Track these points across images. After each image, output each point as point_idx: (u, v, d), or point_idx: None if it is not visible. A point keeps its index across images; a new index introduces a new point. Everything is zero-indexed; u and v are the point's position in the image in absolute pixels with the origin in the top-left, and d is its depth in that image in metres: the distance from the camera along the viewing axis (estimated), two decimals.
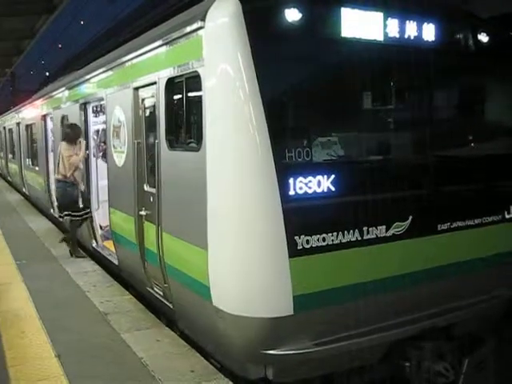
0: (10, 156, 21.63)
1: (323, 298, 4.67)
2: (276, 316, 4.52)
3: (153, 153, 6.06)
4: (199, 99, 4.81)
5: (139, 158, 6.42)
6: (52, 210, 13.21)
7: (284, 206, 4.42)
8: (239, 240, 4.54)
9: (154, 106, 5.98)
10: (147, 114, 6.31)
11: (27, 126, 16.27)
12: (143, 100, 6.30)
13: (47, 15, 16.17)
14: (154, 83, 5.79)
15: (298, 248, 4.52)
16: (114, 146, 7.36)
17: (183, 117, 5.24)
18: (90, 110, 9.34)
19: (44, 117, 13.37)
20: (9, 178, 22.96)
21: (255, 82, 4.34)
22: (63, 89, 10.99)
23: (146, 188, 6.37)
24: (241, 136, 4.41)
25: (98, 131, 9.90)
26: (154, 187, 5.97)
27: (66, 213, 8.98)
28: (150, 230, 6.30)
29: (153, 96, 5.94)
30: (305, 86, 4.75)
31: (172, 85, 5.39)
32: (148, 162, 6.38)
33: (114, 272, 8.16)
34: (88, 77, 8.72)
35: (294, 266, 4.49)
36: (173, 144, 5.44)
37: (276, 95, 4.59)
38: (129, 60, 6.61)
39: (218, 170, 4.61)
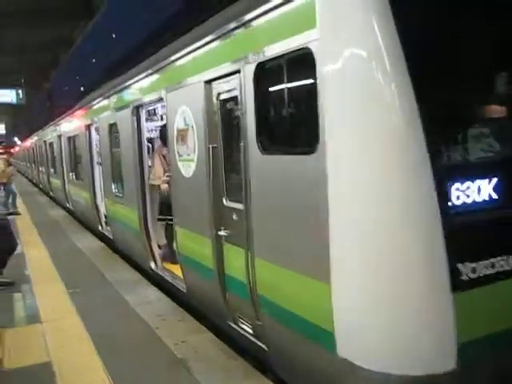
0: (52, 171, 21.00)
1: (495, 344, 3.42)
2: (436, 373, 3.29)
3: (236, 159, 4.93)
4: (311, 86, 3.63)
5: (215, 167, 5.28)
6: (100, 227, 12.30)
7: (444, 221, 3.20)
8: (382, 270, 3.32)
9: (235, 101, 4.85)
10: (225, 111, 5.17)
11: (69, 138, 15.46)
12: (219, 95, 5.16)
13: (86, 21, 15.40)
14: (236, 72, 4.65)
15: (463, 278, 3.29)
16: (178, 154, 6.26)
17: (283, 111, 4.08)
18: (143, 115, 8.29)
19: (88, 127, 12.47)
20: (51, 193, 22.37)
21: (401, 58, 3.15)
22: (110, 93, 10.02)
23: (227, 203, 5.23)
24: (383, 131, 3.21)
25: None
26: (239, 202, 4.83)
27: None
28: (233, 253, 5.16)
29: (234, 88, 4.80)
30: (462, 63, 3.51)
31: (265, 70, 4.23)
32: (228, 170, 5.24)
33: (180, 299, 7.06)
34: (141, 75, 7.68)
35: (458, 303, 3.26)
36: (267, 146, 4.27)
37: (428, 75, 3.34)
38: (196, 49, 5.50)
39: (348, 176, 3.41)
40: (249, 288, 4.73)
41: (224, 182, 5.26)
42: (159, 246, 8.57)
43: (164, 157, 8.43)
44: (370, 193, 3.32)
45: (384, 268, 3.32)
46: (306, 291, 3.88)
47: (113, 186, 10.21)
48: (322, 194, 3.52)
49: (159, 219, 8.51)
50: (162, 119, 10.68)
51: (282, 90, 4.01)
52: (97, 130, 11.89)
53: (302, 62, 3.71)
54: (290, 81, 3.96)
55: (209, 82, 5.28)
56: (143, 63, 7.66)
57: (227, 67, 4.81)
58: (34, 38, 23.32)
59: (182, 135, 6.07)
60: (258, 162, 4.37)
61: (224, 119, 5.21)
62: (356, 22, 3.30)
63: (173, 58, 6.20)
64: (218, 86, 5.15)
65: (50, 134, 21.26)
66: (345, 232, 3.45)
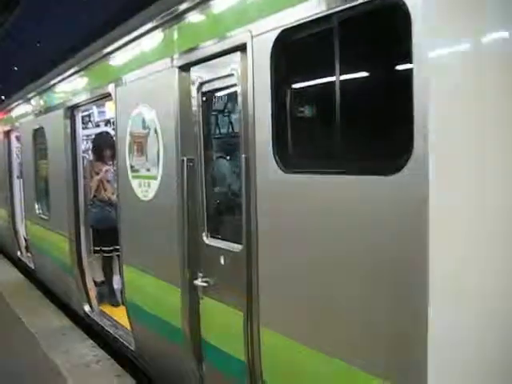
0: None
1: None
2: None
3: (228, 179, 3.41)
4: (397, 64, 2.21)
5: (192, 188, 3.72)
6: (19, 253, 10.23)
7: None
8: None
9: (231, 94, 3.34)
10: (211, 109, 3.63)
11: None
12: (201, 86, 3.60)
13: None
14: (235, 50, 3.14)
15: None
16: (131, 168, 4.62)
17: (335, 107, 2.54)
18: (79, 118, 6.55)
19: (7, 133, 10.43)
20: None
21: None
22: (36, 93, 8.16)
23: (208, 240, 3.66)
24: None
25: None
26: (234, 240, 3.31)
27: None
28: (219, 314, 3.59)
29: (230, 75, 3.27)
30: None
31: (296, 43, 2.73)
32: (213, 194, 3.70)
33: (124, 355, 5.38)
34: (78, 67, 5.97)
35: None
36: (296, 162, 2.77)
37: None
38: (164, 23, 3.93)
39: (467, 209, 1.99)
40: (248, 368, 3.18)
41: (205, 210, 3.69)
42: (95, 283, 6.82)
43: (97, 173, 6.75)
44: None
45: None
46: None
47: (36, 206, 8.30)
48: (415, 238, 2.07)
49: (96, 251, 6.78)
50: (97, 126, 8.99)
51: (332, 72, 2.49)
52: (18, 137, 9.90)
53: (378, 25, 2.27)
54: (350, 57, 2.46)
55: (185, 68, 3.72)
56: (81, 52, 5.95)
57: (221, 43, 3.28)
58: None
59: (139, 143, 4.44)
60: (276, 184, 2.85)
61: (209, 121, 3.67)
62: None
63: (126, 38, 4.58)
64: (200, 73, 3.60)
65: None
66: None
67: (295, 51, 2.77)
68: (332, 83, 2.46)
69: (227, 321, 3.45)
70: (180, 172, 3.78)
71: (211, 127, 3.69)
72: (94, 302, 6.62)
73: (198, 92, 3.64)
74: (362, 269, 2.35)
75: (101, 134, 7.29)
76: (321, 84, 2.65)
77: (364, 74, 2.50)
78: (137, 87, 4.46)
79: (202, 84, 3.61)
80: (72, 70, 6.14)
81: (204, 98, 3.63)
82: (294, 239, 2.78)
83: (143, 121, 4.33)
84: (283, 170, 2.78)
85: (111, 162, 6.89)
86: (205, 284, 3.67)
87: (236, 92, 3.20)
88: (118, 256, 6.88)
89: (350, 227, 2.40)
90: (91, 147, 7.18)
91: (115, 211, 6.66)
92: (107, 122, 9.22)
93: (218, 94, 3.54)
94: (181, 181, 3.78)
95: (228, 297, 3.43)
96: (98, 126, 9.13)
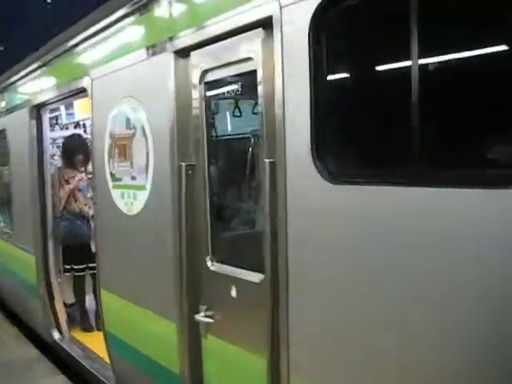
0: None
1: None
2: None
3: (243, 190, 2.73)
4: None
5: (190, 200, 3.01)
6: None
7: None
8: None
9: (248, 84, 2.67)
10: (217, 102, 2.93)
11: None
12: (204, 74, 2.89)
13: None
14: (259, 24, 2.45)
15: None
16: (112, 176, 3.87)
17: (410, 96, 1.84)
18: (46, 118, 5.75)
19: None
20: None
21: None
22: None
23: (214, 266, 2.95)
24: None
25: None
26: (251, 268, 2.63)
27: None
28: (228, 357, 2.88)
29: (247, 59, 2.57)
30: None
31: (341, 14, 2.07)
32: (220, 209, 3.01)
33: None
34: (46, 59, 5.17)
35: None
36: (353, 170, 2.10)
37: None
38: None
39: None
40: None
41: (209, 228, 2.98)
42: (65, 305, 6.01)
43: (67, 181, 5.96)
44: None
45: None
46: None
47: None
48: None
49: (66, 270, 5.98)
50: (66, 128, 8.19)
51: (410, 49, 1.79)
52: None
53: None
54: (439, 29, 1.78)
55: (184, 53, 3.01)
56: (49, 42, 5.15)
57: (235, 19, 2.58)
58: None
59: (121, 146, 3.71)
60: (317, 198, 2.17)
61: (214, 118, 2.97)
62: None
63: (104, 22, 3.83)
64: (203, 59, 2.90)
65: None
66: None
67: (351, 23, 2.10)
68: (414, 65, 1.79)
69: (242, 367, 2.75)
70: (177, 181, 3.07)
71: (218, 125, 3.00)
72: (65, 327, 5.82)
73: (200, 82, 2.93)
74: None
75: (72, 136, 6.49)
76: (400, 67, 1.96)
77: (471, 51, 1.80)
78: (119, 80, 3.73)
79: (205, 72, 2.90)
80: (38, 63, 5.33)
81: (208, 90, 2.93)
82: (343, 274, 2.10)
83: (127, 119, 3.60)
84: (328, 180, 2.11)
85: (83, 169, 6.11)
86: (209, 320, 2.97)
87: (255, 80, 2.51)
88: (91, 275, 6.12)
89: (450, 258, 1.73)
90: (61, 152, 6.36)
91: (88, 225, 5.92)
92: (76, 125, 8.44)
93: (228, 83, 2.84)
94: (178, 192, 3.07)
95: (243, 337, 2.74)
96: (66, 128, 8.34)
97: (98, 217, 4.22)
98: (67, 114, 8.12)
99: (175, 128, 3.08)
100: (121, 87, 3.68)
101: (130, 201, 3.62)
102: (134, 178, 3.57)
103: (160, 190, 3.28)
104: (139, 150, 3.47)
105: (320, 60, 2.13)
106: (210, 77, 2.89)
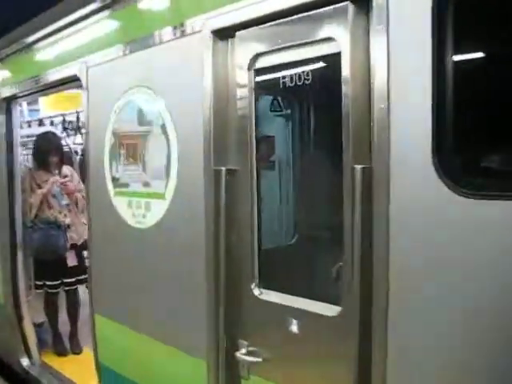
0: None
1: None
2: None
3: (308, 199, 2.21)
4: None
5: (230, 213, 2.47)
6: None
7: None
8: None
9: (324, 72, 2.16)
10: (277, 94, 2.40)
11: None
12: (256, 58, 2.35)
13: None
14: None
15: None
16: (114, 181, 3.26)
17: None
18: (17, 113, 5.02)
19: None
20: None
21: None
22: None
23: (264, 295, 2.41)
24: None
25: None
26: (321, 298, 2.13)
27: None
28: None
29: (327, 39, 2.05)
30: None
31: None
32: (271, 223, 2.49)
33: None
34: (24, 42, 4.45)
35: None
36: (494, 178, 1.63)
37: None
38: None
39: None
40: None
41: (256, 248, 2.45)
42: (35, 325, 5.28)
43: (39, 186, 5.27)
44: None
45: None
46: None
47: None
48: None
49: (38, 286, 5.27)
50: (29, 126, 7.50)
51: None
52: None
53: None
54: None
55: (226, 33, 2.47)
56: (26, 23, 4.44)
57: None
58: None
59: (131, 146, 3.11)
60: (442, 215, 1.69)
61: (267, 112, 2.45)
62: None
63: None
64: (254, 40, 2.36)
65: None
66: None
67: None
68: None
69: None
70: (213, 189, 2.52)
71: (272, 122, 2.47)
72: (35, 352, 5.10)
73: (250, 68, 2.40)
74: None
75: (45, 134, 5.77)
76: None
77: None
78: (127, 66, 3.13)
79: (257, 56, 2.38)
80: (11, 48, 4.60)
81: (260, 79, 2.40)
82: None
83: (140, 114, 3.01)
84: (458, 192, 1.64)
85: (57, 171, 5.41)
86: (255, 359, 2.43)
87: (337, 67, 2.01)
88: (66, 291, 5.44)
89: None
90: (32, 152, 5.62)
91: (64, 235, 5.25)
92: (40, 123, 7.73)
93: (290, 70, 2.31)
94: (214, 202, 2.52)
95: (307, 380, 2.22)
96: (29, 126, 7.61)
97: (91, 229, 3.58)
98: (30, 111, 7.42)
99: (212, 125, 2.53)
100: (131, 75, 3.08)
101: (141, 211, 3.03)
102: (147, 185, 2.99)
103: (187, 199, 2.72)
104: (156, 150, 2.89)
105: (448, 39, 1.67)
106: (264, 62, 2.37)
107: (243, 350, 2.48)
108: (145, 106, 2.96)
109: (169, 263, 2.85)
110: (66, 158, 5.74)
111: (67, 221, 5.26)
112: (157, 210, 2.91)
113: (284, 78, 2.32)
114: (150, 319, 3.02)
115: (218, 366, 2.58)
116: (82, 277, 5.39)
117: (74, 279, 5.37)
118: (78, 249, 5.37)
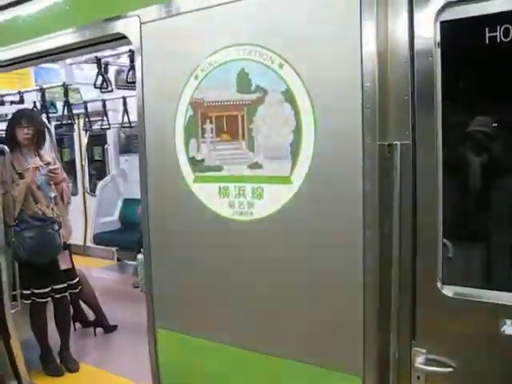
0: None
1: None
2: None
3: None
4: None
5: (405, 198, 2.03)
6: None
7: None
8: None
9: None
10: (478, 50, 1.96)
11: None
12: (443, 10, 1.92)
13: None
14: None
15: None
16: (194, 163, 2.65)
17: None
18: None
19: None
20: None
21: None
22: None
23: (451, 292, 1.99)
24: None
25: None
26: None
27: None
28: None
29: None
30: None
31: None
32: (464, 207, 2.08)
33: None
34: None
35: None
36: None
37: None
38: None
39: None
40: None
41: (440, 237, 2.02)
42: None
43: (20, 175, 4.42)
44: None
45: None
46: None
47: None
48: None
49: (25, 296, 4.43)
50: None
51: None
52: None
53: None
54: None
55: None
56: None
57: None
58: None
59: (227, 118, 2.52)
60: None
61: (459, 71, 2.02)
62: None
63: None
64: None
65: None
66: None
67: None
68: None
69: None
70: (377, 168, 2.06)
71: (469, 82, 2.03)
72: (24, 374, 4.29)
73: (436, 20, 1.95)
74: None
75: (22, 110, 4.82)
76: None
77: None
78: (216, 21, 2.52)
79: (446, 6, 1.93)
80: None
81: (448, 34, 1.96)
82: None
83: (244, 79, 2.43)
84: None
85: (36, 153, 4.56)
86: (442, 369, 2.02)
87: None
88: (54, 299, 4.64)
89: None
90: (5, 131, 4.61)
91: (59, 234, 4.44)
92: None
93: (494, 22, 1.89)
94: (380, 184, 2.06)
95: None
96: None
97: (150, 226, 2.91)
98: None
99: (376, 89, 2.06)
100: (226, 32, 2.49)
101: (245, 200, 2.47)
102: (257, 166, 2.42)
103: (329, 182, 2.22)
104: (275, 123, 2.35)
105: None
106: (455, 13, 1.93)
107: (420, 359, 2.07)
108: (255, 70, 2.39)
109: (301, 262, 2.33)
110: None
111: (58, 216, 4.45)
112: (275, 198, 2.37)
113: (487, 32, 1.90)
114: (278, 335, 2.46)
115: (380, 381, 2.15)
116: (74, 281, 4.63)
117: (65, 284, 4.57)
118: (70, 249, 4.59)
